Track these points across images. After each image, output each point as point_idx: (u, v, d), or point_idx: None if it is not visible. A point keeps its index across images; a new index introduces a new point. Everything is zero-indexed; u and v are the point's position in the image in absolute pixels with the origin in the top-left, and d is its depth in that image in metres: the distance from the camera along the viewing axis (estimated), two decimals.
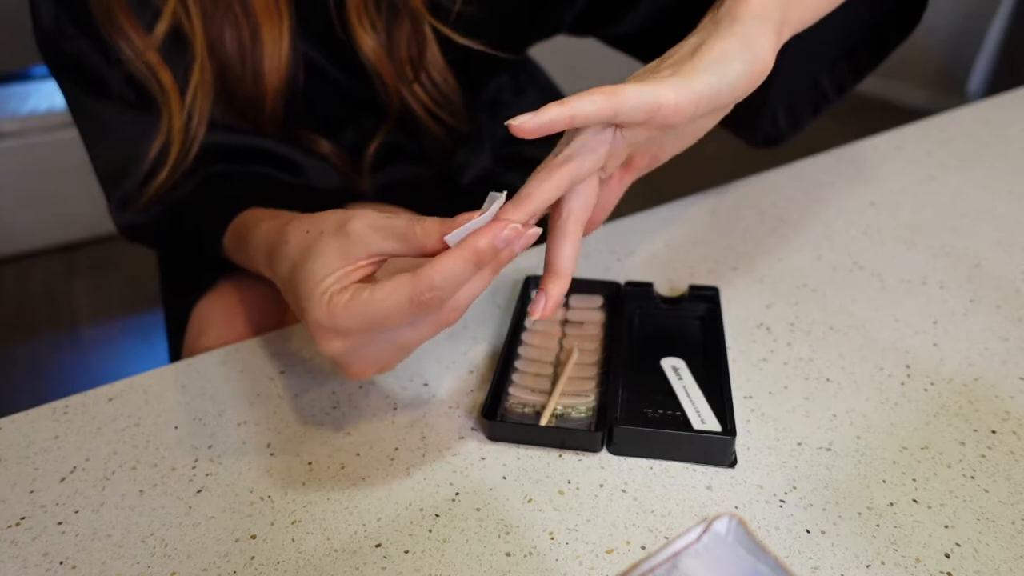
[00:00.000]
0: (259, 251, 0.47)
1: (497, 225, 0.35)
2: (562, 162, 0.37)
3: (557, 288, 0.38)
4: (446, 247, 0.35)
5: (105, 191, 0.62)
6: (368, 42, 0.61)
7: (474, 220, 0.35)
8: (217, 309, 0.64)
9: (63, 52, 0.57)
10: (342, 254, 0.37)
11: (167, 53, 0.57)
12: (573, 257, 0.39)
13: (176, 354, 0.75)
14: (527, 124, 0.34)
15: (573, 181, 0.38)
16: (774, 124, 0.62)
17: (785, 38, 0.42)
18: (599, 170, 0.39)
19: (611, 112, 0.35)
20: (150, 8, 0.56)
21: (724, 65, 0.37)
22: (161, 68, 0.56)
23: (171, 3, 0.55)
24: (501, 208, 0.36)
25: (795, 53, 0.55)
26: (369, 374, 0.39)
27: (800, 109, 0.61)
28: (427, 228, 0.36)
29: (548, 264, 0.39)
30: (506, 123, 0.35)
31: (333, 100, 0.66)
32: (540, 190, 0.37)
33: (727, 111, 0.40)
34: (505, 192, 0.36)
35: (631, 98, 0.35)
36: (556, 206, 0.39)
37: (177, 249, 0.68)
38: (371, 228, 0.36)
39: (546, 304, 0.38)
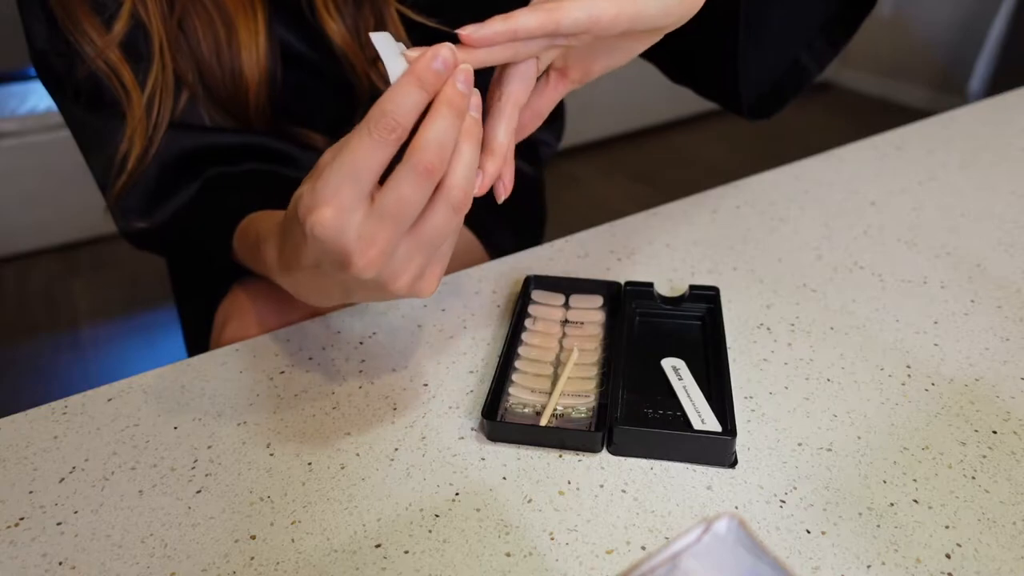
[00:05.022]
0: (268, 253, 0.46)
1: (431, 50, 0.35)
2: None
3: (492, 166, 0.40)
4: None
5: (106, 199, 0.62)
6: (334, 27, 0.61)
7: (391, 67, 0.36)
8: (243, 299, 0.64)
9: (57, 70, 0.57)
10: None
11: (130, 53, 0.56)
12: (508, 135, 0.40)
13: (196, 347, 0.76)
14: (474, 34, 0.37)
15: (514, 57, 0.39)
16: (761, 101, 0.62)
17: None
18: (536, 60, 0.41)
19: (552, 27, 0.37)
20: (109, 6, 0.56)
21: None
22: (122, 66, 0.56)
23: (128, 1, 0.55)
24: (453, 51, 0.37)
25: (771, 34, 0.56)
26: (406, 282, 0.38)
27: (784, 86, 0.62)
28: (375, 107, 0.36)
29: (484, 143, 0.40)
30: (456, 31, 0.37)
31: (315, 87, 0.66)
32: (484, 52, 0.38)
33: (659, 37, 0.42)
34: (385, 32, 0.37)
35: (571, 14, 0.37)
36: (493, 90, 0.41)
37: (187, 257, 0.68)
38: (335, 148, 0.37)
39: (481, 181, 0.39)
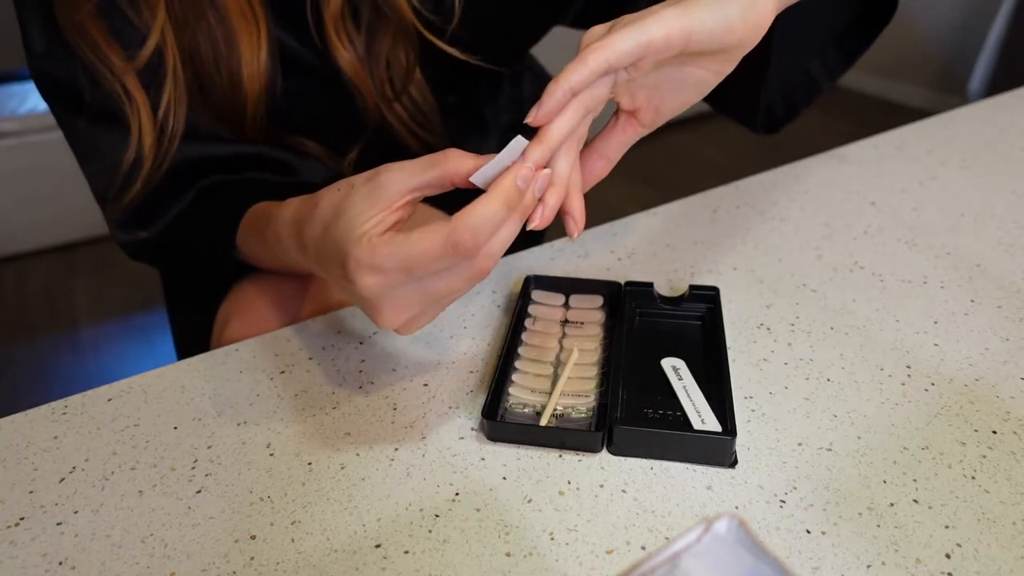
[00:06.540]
0: (285, 226, 0.47)
1: (521, 165, 0.37)
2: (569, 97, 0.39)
3: (553, 197, 0.40)
4: (472, 183, 0.38)
5: (103, 210, 0.62)
6: (345, 56, 0.60)
7: (500, 156, 0.37)
8: (245, 299, 0.64)
9: (55, 77, 0.56)
10: (376, 199, 0.38)
11: (144, 72, 0.56)
12: (568, 166, 0.41)
13: (187, 354, 0.75)
14: (539, 116, 0.38)
15: (587, 109, 0.40)
16: (771, 113, 0.62)
17: (783, 5, 0.43)
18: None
19: (604, 67, 0.37)
20: (129, 26, 0.55)
21: (720, 3, 0.38)
22: (136, 88, 0.55)
23: (159, 25, 0.54)
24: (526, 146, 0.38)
25: (785, 45, 0.56)
26: (398, 322, 0.40)
27: (794, 97, 0.62)
28: (457, 152, 0.38)
29: None
30: (525, 122, 0.38)
31: (314, 96, 0.66)
32: (556, 125, 0.38)
33: (730, 62, 0.41)
34: (522, 138, 0.38)
35: (621, 46, 0.37)
36: None
37: (184, 264, 0.68)
38: (400, 168, 0.38)
39: (543, 213, 0.40)
